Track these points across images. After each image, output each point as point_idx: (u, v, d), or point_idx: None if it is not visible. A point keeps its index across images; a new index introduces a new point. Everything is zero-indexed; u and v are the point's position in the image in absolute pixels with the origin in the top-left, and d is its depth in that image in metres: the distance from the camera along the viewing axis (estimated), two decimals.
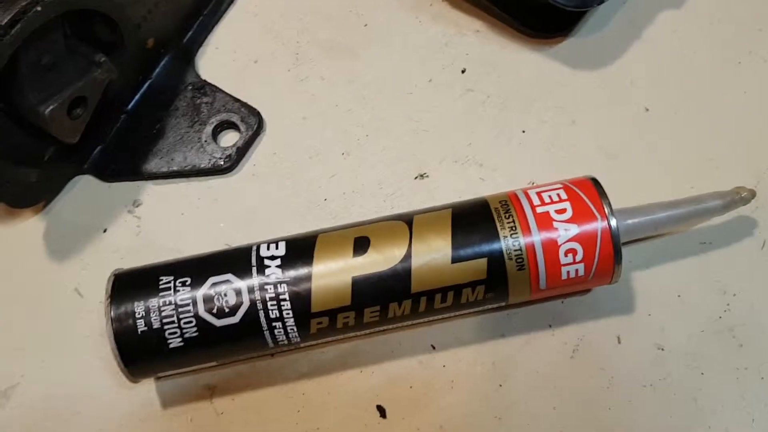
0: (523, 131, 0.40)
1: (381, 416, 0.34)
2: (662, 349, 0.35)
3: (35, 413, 0.36)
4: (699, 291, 0.36)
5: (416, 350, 0.36)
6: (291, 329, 0.32)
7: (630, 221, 0.33)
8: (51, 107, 0.33)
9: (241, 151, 0.40)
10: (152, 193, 0.40)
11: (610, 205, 0.32)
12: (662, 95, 0.40)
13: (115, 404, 0.35)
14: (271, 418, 0.35)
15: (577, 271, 0.32)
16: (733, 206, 0.34)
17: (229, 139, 0.41)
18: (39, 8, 0.31)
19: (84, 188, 0.40)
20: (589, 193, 0.33)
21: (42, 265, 0.39)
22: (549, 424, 0.34)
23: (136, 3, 0.37)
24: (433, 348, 0.36)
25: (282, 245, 0.33)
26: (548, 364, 0.35)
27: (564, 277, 0.32)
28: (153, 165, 0.40)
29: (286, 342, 0.33)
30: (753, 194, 0.34)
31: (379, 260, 0.32)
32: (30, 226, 0.40)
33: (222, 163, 0.39)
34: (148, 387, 0.36)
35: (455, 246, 0.32)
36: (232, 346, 0.32)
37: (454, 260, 0.32)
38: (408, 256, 0.32)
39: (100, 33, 0.36)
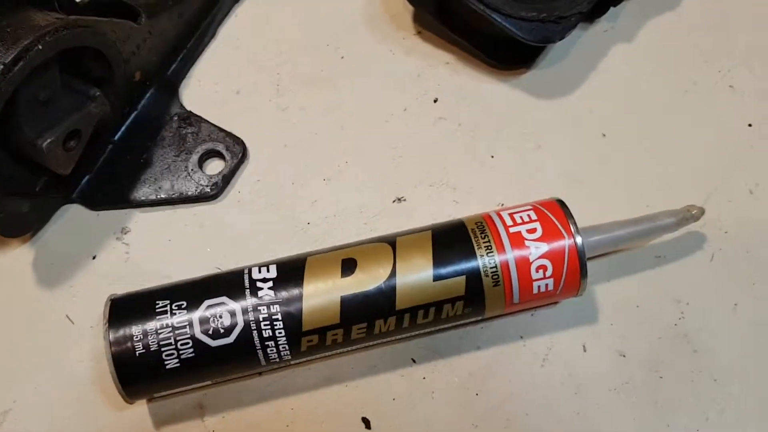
0: (492, 156, 0.43)
1: (366, 428, 0.36)
2: (624, 356, 0.38)
3: None
4: (656, 301, 0.39)
5: (397, 364, 0.38)
6: (283, 347, 0.34)
7: (593, 238, 0.36)
8: (48, 140, 0.35)
9: (227, 179, 0.42)
10: (140, 220, 0.41)
11: (575, 224, 0.35)
12: (617, 122, 0.43)
13: (108, 427, 0.37)
14: None
15: (547, 285, 0.35)
16: (684, 223, 0.37)
17: (215, 167, 0.43)
18: (40, 46, 0.33)
19: (72, 217, 0.42)
20: (556, 214, 0.35)
21: (32, 294, 0.40)
22: (523, 430, 0.36)
23: (126, 40, 0.39)
24: (414, 361, 0.38)
25: (273, 268, 0.35)
26: (520, 373, 0.37)
27: (535, 291, 0.35)
28: (140, 193, 0.41)
29: (277, 360, 0.34)
30: (702, 212, 0.37)
31: (366, 280, 0.34)
32: (18, 256, 0.41)
33: (208, 190, 0.41)
34: (140, 409, 0.37)
35: (436, 265, 0.34)
36: (226, 365, 0.34)
37: (436, 278, 0.34)
38: (392, 276, 0.34)
39: (92, 68, 0.38)
